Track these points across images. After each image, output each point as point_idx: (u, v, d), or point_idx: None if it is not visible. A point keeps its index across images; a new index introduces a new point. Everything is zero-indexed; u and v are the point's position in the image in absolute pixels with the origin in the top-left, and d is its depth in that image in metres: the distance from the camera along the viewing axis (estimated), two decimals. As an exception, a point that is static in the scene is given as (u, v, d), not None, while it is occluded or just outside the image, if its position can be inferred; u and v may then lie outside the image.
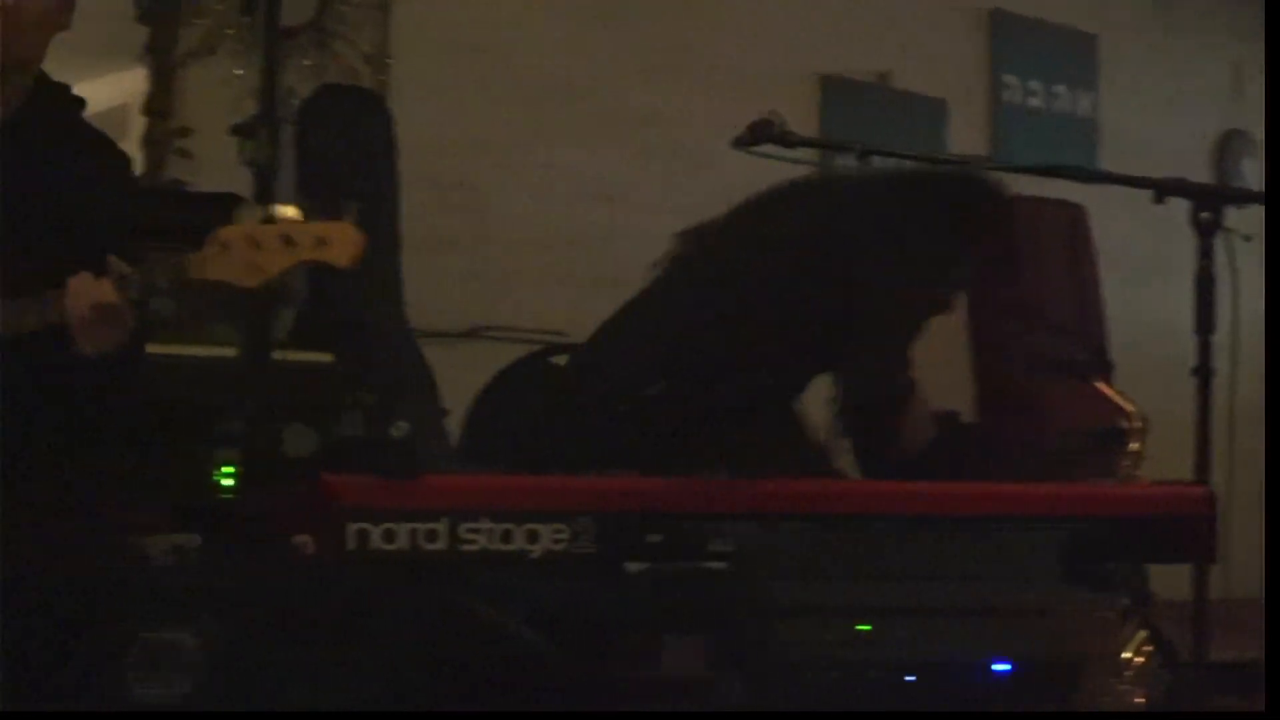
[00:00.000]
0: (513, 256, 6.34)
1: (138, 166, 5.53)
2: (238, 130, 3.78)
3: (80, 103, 3.03)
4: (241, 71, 5.40)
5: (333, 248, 2.55)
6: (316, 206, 2.64)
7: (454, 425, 4.89)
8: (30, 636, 2.70)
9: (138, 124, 5.72)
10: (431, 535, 3.64)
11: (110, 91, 7.87)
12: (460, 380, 5.22)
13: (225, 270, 2.59)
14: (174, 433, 4.05)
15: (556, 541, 3.72)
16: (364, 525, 3.60)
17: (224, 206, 3.59)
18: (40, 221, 2.82)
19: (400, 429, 4.00)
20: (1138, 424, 4.48)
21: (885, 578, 3.86)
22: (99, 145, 3.04)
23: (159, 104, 5.62)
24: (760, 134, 4.08)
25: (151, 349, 3.90)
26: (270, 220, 2.59)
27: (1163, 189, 4.03)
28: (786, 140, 4.09)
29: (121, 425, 2.97)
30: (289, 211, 2.61)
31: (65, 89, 3.02)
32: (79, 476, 2.81)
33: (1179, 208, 4.02)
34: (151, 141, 5.59)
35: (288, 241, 2.56)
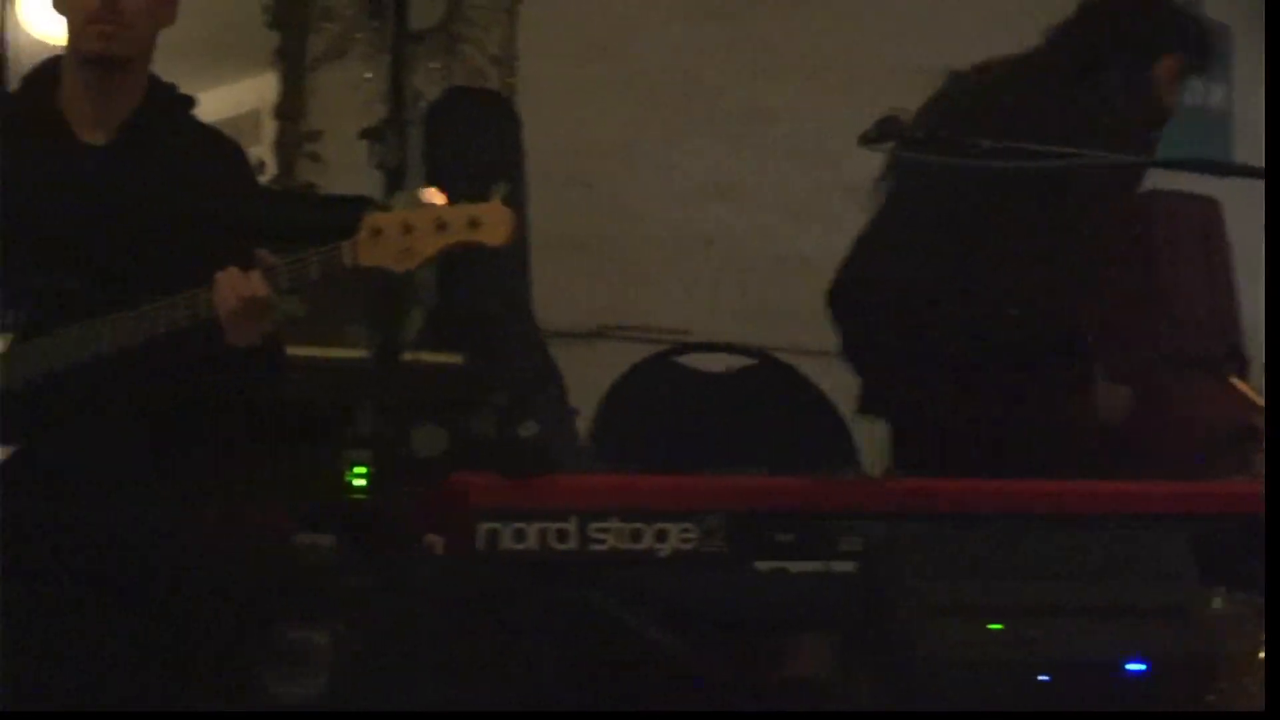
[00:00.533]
0: (638, 255, 6.35)
1: (269, 170, 5.60)
2: (367, 134, 3.81)
3: (190, 101, 3.05)
4: (370, 75, 5.44)
5: (485, 229, 2.55)
6: (460, 193, 2.63)
7: (582, 424, 4.90)
8: (163, 630, 2.73)
9: (269, 128, 5.78)
10: (561, 535, 3.65)
11: (242, 97, 7.96)
12: (588, 379, 5.23)
13: (378, 256, 2.59)
14: (306, 434, 4.09)
15: (685, 540, 3.71)
16: (493, 525, 3.61)
17: (355, 209, 3.61)
18: (172, 222, 2.85)
19: (529, 429, 4.02)
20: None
21: (1018, 577, 3.82)
22: (215, 141, 3.06)
23: (289, 108, 5.67)
24: (887, 130, 4.04)
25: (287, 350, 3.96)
26: (420, 205, 2.57)
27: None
28: (913, 137, 4.05)
29: (265, 423, 3.00)
30: (436, 196, 2.60)
31: (173, 88, 3.03)
32: (224, 474, 2.85)
33: (1317, 201, 3.94)
34: (282, 145, 5.65)
35: (440, 225, 2.55)
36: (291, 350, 3.91)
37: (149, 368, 2.75)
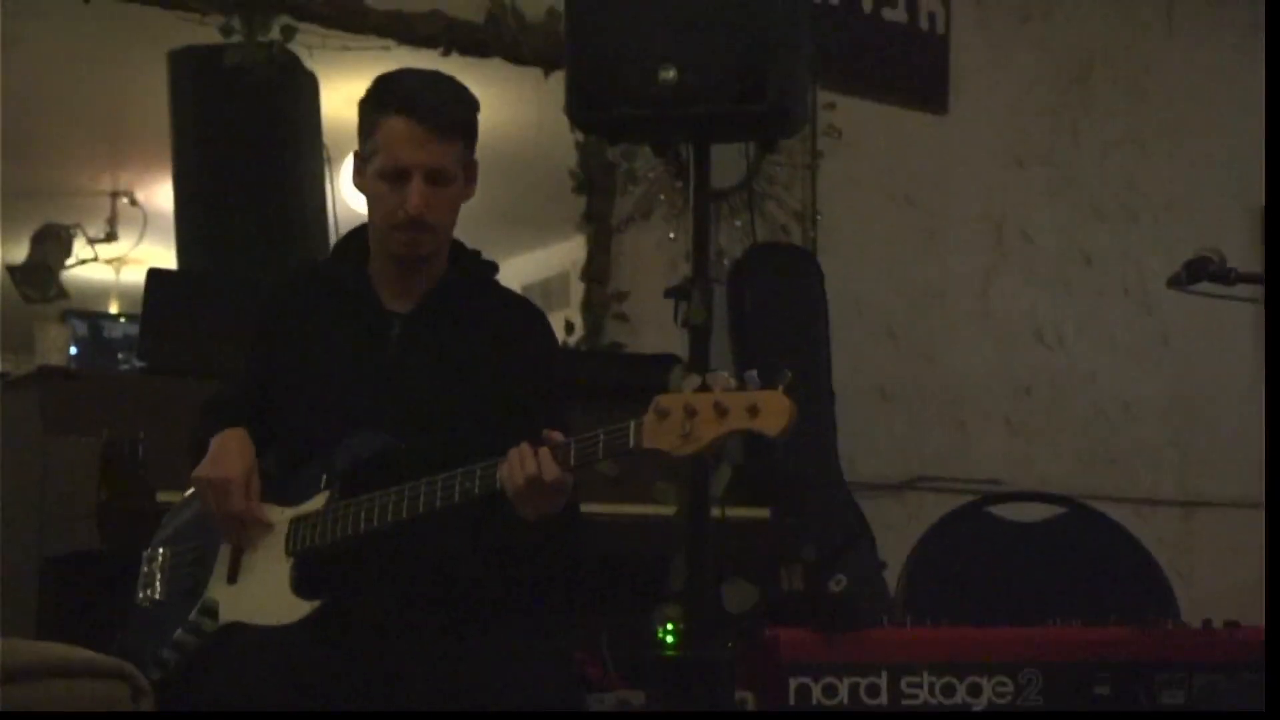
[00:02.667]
0: (951, 403, 6.29)
1: (578, 331, 5.72)
2: (672, 292, 3.86)
3: (492, 267, 3.12)
4: (674, 235, 5.55)
5: (764, 417, 2.56)
6: (753, 364, 2.65)
7: (892, 577, 4.86)
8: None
9: (577, 290, 5.91)
10: (872, 690, 3.63)
11: (553, 260, 8.16)
12: (898, 531, 5.19)
13: (661, 439, 2.61)
14: (617, 589, 4.13)
15: (1000, 695, 3.65)
16: (804, 680, 3.61)
17: (662, 367, 3.67)
18: (470, 391, 2.92)
19: (839, 583, 4.02)
20: None
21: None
22: (517, 306, 3.13)
23: (597, 269, 5.80)
24: (1198, 272, 3.96)
25: (595, 508, 4.02)
26: (705, 388, 2.60)
27: None
28: (1226, 277, 3.96)
29: (564, 582, 3.03)
30: (722, 378, 2.62)
31: (476, 255, 3.10)
32: (529, 632, 2.88)
33: None
34: (590, 306, 5.77)
35: (721, 411, 2.57)
36: (603, 508, 3.98)
37: (452, 526, 2.82)
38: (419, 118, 2.89)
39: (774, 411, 2.54)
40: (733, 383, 2.58)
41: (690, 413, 2.59)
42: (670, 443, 2.61)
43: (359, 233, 3.07)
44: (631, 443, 2.63)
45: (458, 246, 3.06)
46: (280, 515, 2.90)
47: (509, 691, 2.77)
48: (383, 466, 2.83)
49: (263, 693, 2.71)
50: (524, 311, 3.10)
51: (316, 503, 2.87)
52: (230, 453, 2.92)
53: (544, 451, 2.68)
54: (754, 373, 2.58)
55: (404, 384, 2.92)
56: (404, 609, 2.82)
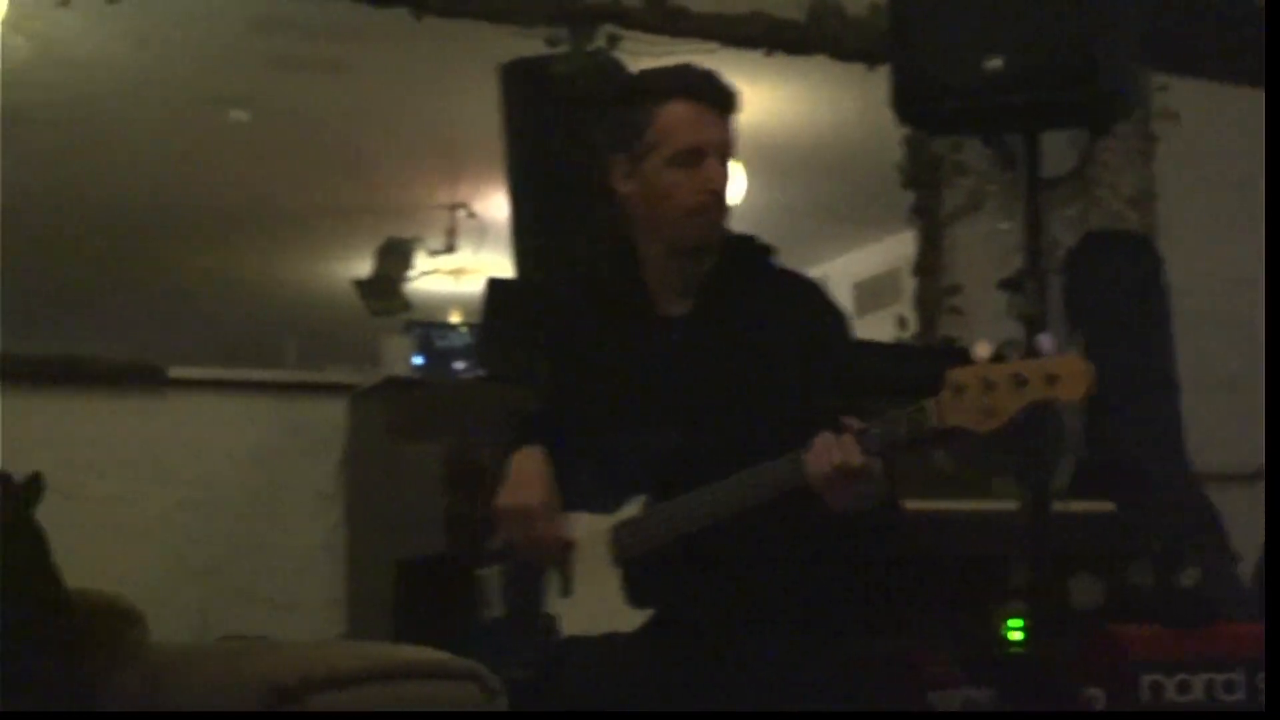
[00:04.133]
0: (1299, 390, 6.06)
1: (911, 326, 5.68)
2: (1005, 284, 3.80)
3: (768, 250, 3.06)
4: (1006, 226, 5.46)
5: (1062, 384, 2.48)
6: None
7: (1246, 569, 4.71)
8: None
9: (908, 285, 5.87)
10: (1229, 685, 3.51)
11: (883, 256, 8.11)
12: (1251, 522, 5.03)
13: (961, 415, 2.55)
14: (960, 587, 4.09)
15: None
16: (1157, 677, 3.51)
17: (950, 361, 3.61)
18: (760, 381, 2.88)
19: (1191, 576, 3.90)
20: None
21: None
22: (798, 286, 3.07)
23: (928, 264, 5.75)
24: None
25: (934, 504, 3.98)
26: (1000, 359, 2.54)
27: None
28: None
29: (887, 579, 2.98)
30: (1017, 347, 2.56)
31: (750, 240, 3.05)
32: (859, 632, 2.85)
33: None
34: (923, 301, 5.72)
35: (1019, 381, 2.51)
36: (942, 505, 3.94)
37: (762, 523, 2.79)
38: (702, 97, 2.88)
39: (1072, 376, 2.47)
40: (1038, 348, 2.52)
41: (988, 386, 2.52)
42: (971, 418, 2.54)
43: (626, 245, 3.04)
44: (933, 421, 2.58)
45: (725, 233, 3.01)
46: (595, 524, 2.90)
47: (841, 693, 2.75)
48: (690, 467, 2.81)
49: (609, 705, 2.73)
50: (806, 292, 3.02)
51: (633, 508, 2.86)
52: (528, 475, 2.92)
53: (848, 437, 2.64)
54: (1045, 336, 2.51)
55: (691, 382, 2.90)
56: (732, 610, 2.81)
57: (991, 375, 2.51)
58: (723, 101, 2.90)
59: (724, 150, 2.88)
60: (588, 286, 3.23)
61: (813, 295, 3.02)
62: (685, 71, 2.94)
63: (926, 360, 4.66)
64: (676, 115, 2.87)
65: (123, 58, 6.72)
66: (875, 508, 2.73)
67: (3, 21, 5.46)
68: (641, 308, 2.97)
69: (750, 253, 3.01)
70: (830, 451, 2.63)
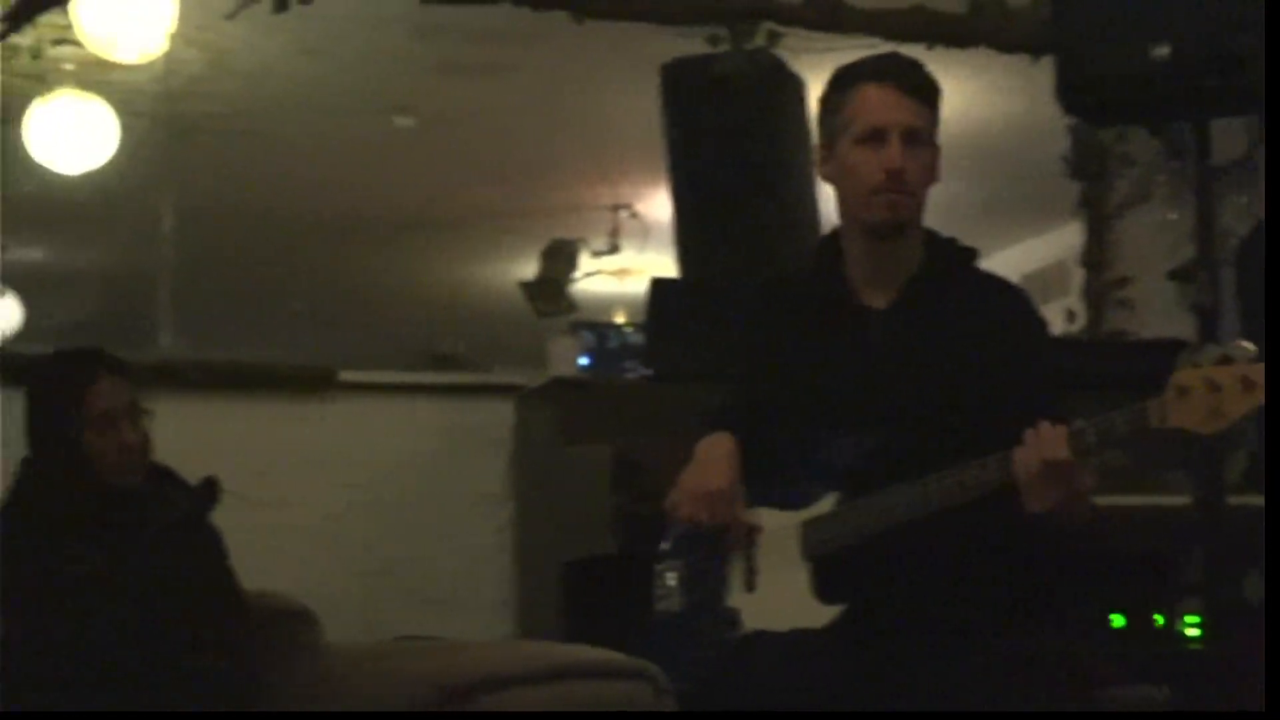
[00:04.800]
0: None
1: (1079, 320, 5.62)
2: (1176, 275, 3.75)
3: (972, 254, 3.05)
4: (1175, 215, 5.37)
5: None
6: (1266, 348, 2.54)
7: None
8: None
9: (1076, 277, 5.80)
10: None
11: (1048, 249, 8.04)
12: None
13: (1185, 417, 2.51)
14: (1134, 584, 4.03)
15: None
16: (1339, 674, 3.42)
17: (1168, 354, 3.56)
18: (960, 382, 2.86)
19: (1372, 570, 3.78)
20: None
21: None
22: (1001, 291, 3.04)
23: (1095, 256, 5.68)
24: None
25: (1105, 500, 3.93)
26: (1227, 361, 2.49)
27: None
28: None
29: (1085, 581, 2.96)
30: (1244, 349, 2.51)
31: (953, 243, 3.05)
32: (1039, 632, 2.83)
33: None
34: (1091, 293, 5.66)
35: (1249, 384, 2.46)
36: (1115, 500, 3.89)
37: (964, 523, 2.77)
38: (890, 80, 2.89)
39: None
40: (1254, 352, 2.47)
41: (1213, 387, 2.48)
42: (1196, 420, 2.50)
43: (832, 238, 3.06)
44: (1154, 420, 2.54)
45: (931, 234, 3.01)
46: (783, 520, 2.90)
47: (1020, 693, 2.72)
48: (885, 464, 2.81)
49: (796, 699, 2.73)
50: (1009, 296, 3.01)
51: (825, 504, 2.86)
52: (716, 458, 2.93)
53: (1060, 431, 2.61)
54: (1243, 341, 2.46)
55: (890, 380, 2.89)
56: (922, 608, 2.80)
57: (1218, 377, 2.48)
58: (913, 86, 2.91)
59: (911, 133, 2.88)
60: (782, 281, 3.25)
61: (1018, 300, 3.02)
62: (881, 57, 2.98)
63: (1145, 356, 4.60)
64: (865, 97, 2.90)
65: (289, 67, 6.85)
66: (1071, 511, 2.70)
67: (172, 35, 5.58)
68: (842, 298, 2.98)
69: (954, 253, 3.01)
70: (1040, 445, 2.61)
